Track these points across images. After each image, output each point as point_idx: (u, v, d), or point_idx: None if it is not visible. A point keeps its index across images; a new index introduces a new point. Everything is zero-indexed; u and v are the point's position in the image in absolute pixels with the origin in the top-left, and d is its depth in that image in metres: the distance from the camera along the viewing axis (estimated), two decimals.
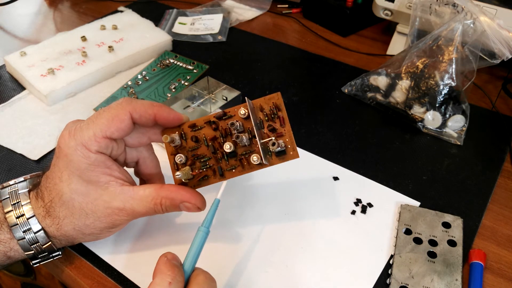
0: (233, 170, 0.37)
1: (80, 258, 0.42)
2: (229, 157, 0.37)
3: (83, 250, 0.42)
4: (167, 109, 0.38)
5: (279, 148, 0.36)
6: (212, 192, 0.39)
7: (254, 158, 0.36)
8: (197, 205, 0.38)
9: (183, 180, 0.38)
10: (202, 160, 0.38)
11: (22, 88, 0.62)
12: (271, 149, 0.36)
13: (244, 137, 0.36)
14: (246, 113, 0.37)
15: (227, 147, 0.36)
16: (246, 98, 0.37)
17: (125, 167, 0.40)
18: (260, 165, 0.37)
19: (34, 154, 0.52)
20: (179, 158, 0.38)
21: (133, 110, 0.36)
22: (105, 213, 0.37)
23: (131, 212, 0.37)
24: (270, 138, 0.36)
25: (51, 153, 0.52)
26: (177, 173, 0.37)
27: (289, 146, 0.37)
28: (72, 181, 0.36)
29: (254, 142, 0.37)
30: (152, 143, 0.42)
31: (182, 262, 0.34)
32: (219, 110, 0.38)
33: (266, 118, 0.37)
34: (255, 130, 0.36)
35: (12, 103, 0.59)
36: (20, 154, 0.52)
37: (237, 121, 0.37)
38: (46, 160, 0.51)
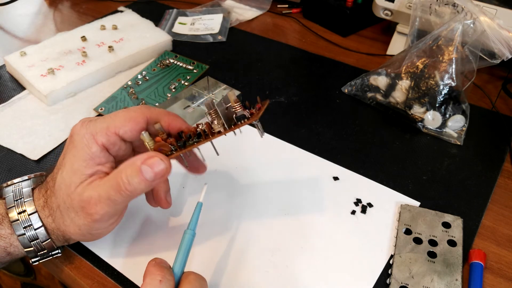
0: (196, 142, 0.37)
1: (80, 258, 0.42)
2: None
3: (83, 250, 0.42)
4: (180, 120, 0.39)
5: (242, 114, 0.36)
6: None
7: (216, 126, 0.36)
8: (158, 157, 0.35)
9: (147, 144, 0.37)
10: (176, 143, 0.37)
11: (22, 88, 0.62)
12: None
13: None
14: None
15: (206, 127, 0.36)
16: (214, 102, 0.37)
17: None
18: (220, 133, 0.36)
19: (34, 154, 0.52)
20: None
21: (150, 116, 0.37)
22: (80, 206, 0.35)
23: (97, 198, 0.35)
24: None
25: (51, 153, 0.52)
26: (142, 132, 0.36)
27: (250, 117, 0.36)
28: (65, 169, 0.36)
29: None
30: None
31: (171, 266, 0.34)
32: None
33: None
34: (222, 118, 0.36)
35: (12, 103, 0.59)
36: (20, 154, 0.52)
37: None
38: (46, 160, 0.51)
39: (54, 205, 0.37)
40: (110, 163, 0.37)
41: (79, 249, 0.42)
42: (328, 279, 0.39)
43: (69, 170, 0.36)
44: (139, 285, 0.39)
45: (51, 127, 0.55)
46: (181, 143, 0.37)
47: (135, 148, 0.40)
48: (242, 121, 0.36)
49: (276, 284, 0.39)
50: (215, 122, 0.37)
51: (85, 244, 0.42)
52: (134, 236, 0.43)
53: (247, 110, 0.36)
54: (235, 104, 0.36)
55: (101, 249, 0.42)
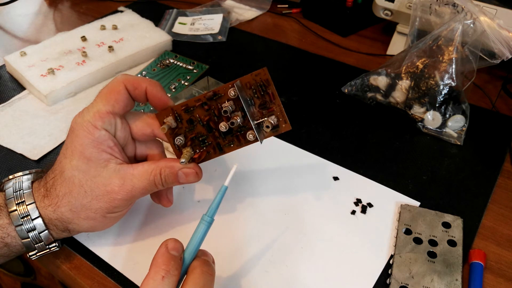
0: (231, 145, 0.39)
1: (80, 258, 0.42)
2: (225, 135, 0.39)
3: (83, 250, 0.42)
4: (158, 87, 0.39)
5: (272, 125, 0.38)
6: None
7: (250, 136, 0.38)
8: (195, 170, 0.39)
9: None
10: (200, 138, 0.39)
11: (22, 88, 0.62)
12: (264, 129, 0.37)
13: (238, 119, 0.37)
14: (236, 95, 0.37)
15: (223, 127, 0.38)
16: (235, 83, 0.37)
17: None
18: (256, 140, 0.38)
19: (34, 154, 0.52)
20: (179, 140, 0.39)
21: (127, 82, 0.38)
22: (103, 191, 0.37)
23: (130, 188, 0.37)
24: (263, 119, 0.38)
25: (51, 153, 0.52)
26: (181, 160, 0.38)
27: (280, 119, 0.38)
28: (74, 157, 0.37)
29: (247, 119, 0.38)
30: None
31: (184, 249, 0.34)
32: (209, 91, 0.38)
33: (256, 95, 0.38)
34: (246, 111, 0.37)
35: (12, 103, 0.59)
36: (20, 154, 0.52)
37: (228, 100, 0.37)
38: (46, 160, 0.51)
39: (62, 192, 0.37)
40: (117, 146, 0.39)
41: (79, 249, 0.42)
42: (328, 279, 0.39)
43: (81, 157, 0.37)
44: (139, 285, 0.39)
45: (51, 127, 0.55)
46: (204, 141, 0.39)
47: (133, 134, 0.41)
48: (276, 130, 0.38)
49: (276, 284, 0.39)
50: (236, 115, 0.37)
51: (85, 244, 0.42)
52: (134, 236, 0.43)
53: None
54: (260, 121, 0.38)
55: (101, 249, 0.42)
